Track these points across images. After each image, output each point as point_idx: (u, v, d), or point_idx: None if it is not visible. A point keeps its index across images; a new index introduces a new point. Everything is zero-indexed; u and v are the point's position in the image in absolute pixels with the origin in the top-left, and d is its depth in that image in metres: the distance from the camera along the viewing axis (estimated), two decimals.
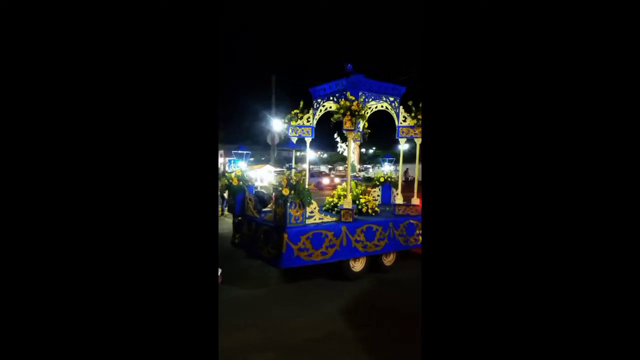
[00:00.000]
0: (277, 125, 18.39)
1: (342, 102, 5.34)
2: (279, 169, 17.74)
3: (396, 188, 7.26)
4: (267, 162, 19.40)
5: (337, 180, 25.55)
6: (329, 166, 44.70)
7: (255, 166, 13.16)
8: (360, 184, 6.76)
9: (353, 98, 5.32)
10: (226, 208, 10.09)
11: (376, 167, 38.76)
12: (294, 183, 4.72)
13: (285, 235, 4.72)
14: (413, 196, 6.27)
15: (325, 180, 25.74)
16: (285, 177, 4.80)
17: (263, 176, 12.83)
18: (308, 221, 5.01)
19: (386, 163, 7.79)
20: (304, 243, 4.85)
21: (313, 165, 42.95)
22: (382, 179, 7.52)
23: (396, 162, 7.87)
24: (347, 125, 5.30)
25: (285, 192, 4.70)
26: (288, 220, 4.80)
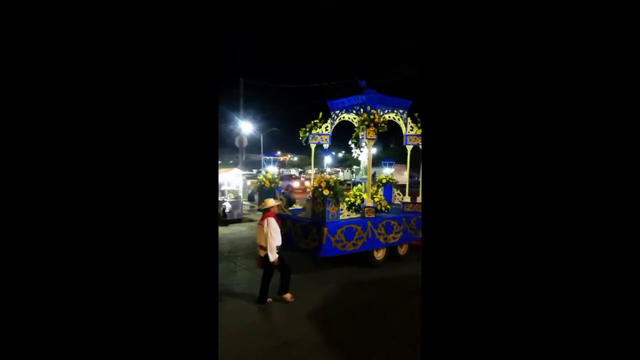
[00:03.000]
0: (245, 127, 18.15)
1: (364, 115, 6.24)
2: (247, 173, 17.45)
3: (397, 189, 8.28)
4: (235, 165, 18.75)
5: (307, 183, 25.21)
6: (299, 169, 45.06)
7: (222, 169, 12.56)
8: (373, 186, 7.66)
9: (375, 112, 6.24)
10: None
11: (345, 171, 39.63)
12: (332, 185, 5.56)
13: (325, 229, 5.53)
14: (418, 195, 7.29)
15: (296, 184, 25.50)
16: (323, 179, 5.61)
17: (230, 180, 12.38)
18: (340, 217, 5.86)
19: (386, 166, 8.75)
20: (339, 235, 5.69)
21: (283, 169, 43.15)
22: (384, 180, 8.48)
23: (391, 165, 8.88)
24: (370, 134, 6.20)
25: (326, 192, 5.52)
26: (327, 216, 5.62)
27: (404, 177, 10.02)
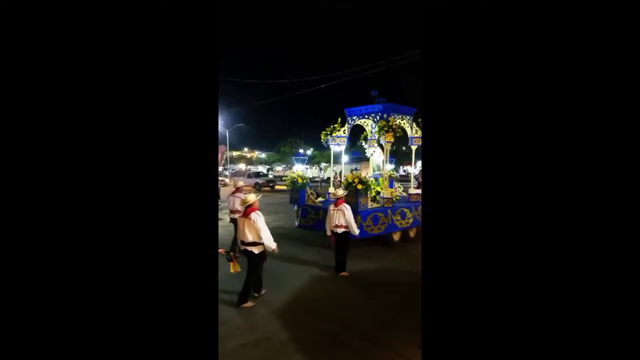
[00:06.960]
0: None
1: (382, 123, 7.54)
2: None
3: (397, 182, 9.69)
4: None
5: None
6: (267, 166, 44.53)
7: None
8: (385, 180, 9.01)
9: (391, 119, 7.56)
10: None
11: (313, 167, 39.55)
12: (365, 180, 6.83)
13: (359, 217, 6.79)
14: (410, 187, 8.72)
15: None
16: (357, 176, 6.86)
17: None
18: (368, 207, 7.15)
19: (388, 163, 10.12)
20: (369, 221, 6.98)
21: (250, 166, 42.03)
22: (386, 175, 9.84)
23: (396, 162, 10.29)
24: (389, 138, 7.52)
25: (360, 187, 6.78)
26: (359, 206, 6.88)
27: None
